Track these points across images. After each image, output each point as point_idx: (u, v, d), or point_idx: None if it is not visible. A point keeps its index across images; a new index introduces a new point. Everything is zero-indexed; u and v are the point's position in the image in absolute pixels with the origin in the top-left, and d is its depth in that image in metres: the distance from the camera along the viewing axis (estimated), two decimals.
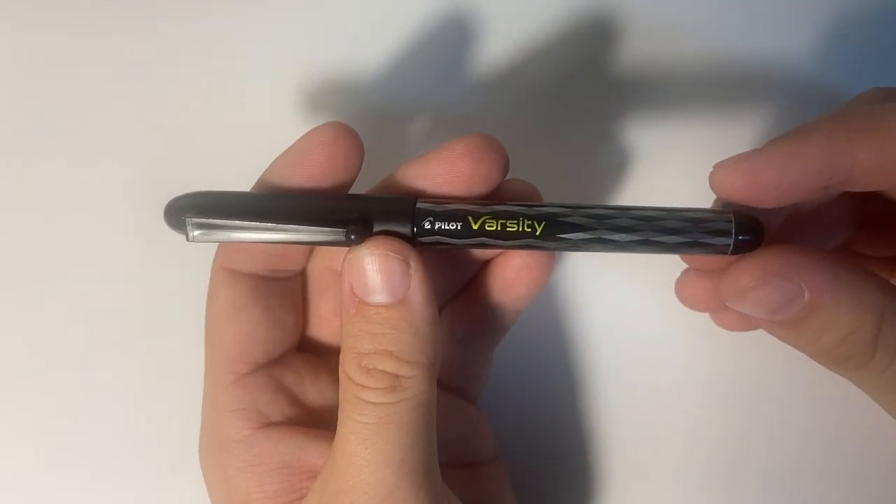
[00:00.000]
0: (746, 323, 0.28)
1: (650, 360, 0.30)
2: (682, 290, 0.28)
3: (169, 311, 0.30)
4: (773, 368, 0.30)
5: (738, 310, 0.24)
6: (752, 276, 0.23)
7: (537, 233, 0.22)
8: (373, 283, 0.22)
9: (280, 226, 0.22)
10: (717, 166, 0.23)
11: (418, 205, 0.23)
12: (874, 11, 0.30)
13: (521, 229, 0.22)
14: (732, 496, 0.30)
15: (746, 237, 0.22)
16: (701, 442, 0.30)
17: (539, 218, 0.22)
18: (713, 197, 0.25)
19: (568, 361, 0.30)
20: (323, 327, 0.27)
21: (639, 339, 0.30)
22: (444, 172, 0.23)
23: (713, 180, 0.24)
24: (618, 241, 0.22)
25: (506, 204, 0.23)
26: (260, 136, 0.27)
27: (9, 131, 0.31)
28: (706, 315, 0.29)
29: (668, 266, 0.29)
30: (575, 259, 0.31)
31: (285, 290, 0.26)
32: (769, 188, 0.23)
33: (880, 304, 0.22)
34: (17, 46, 0.31)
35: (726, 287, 0.23)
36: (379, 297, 0.22)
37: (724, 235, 0.22)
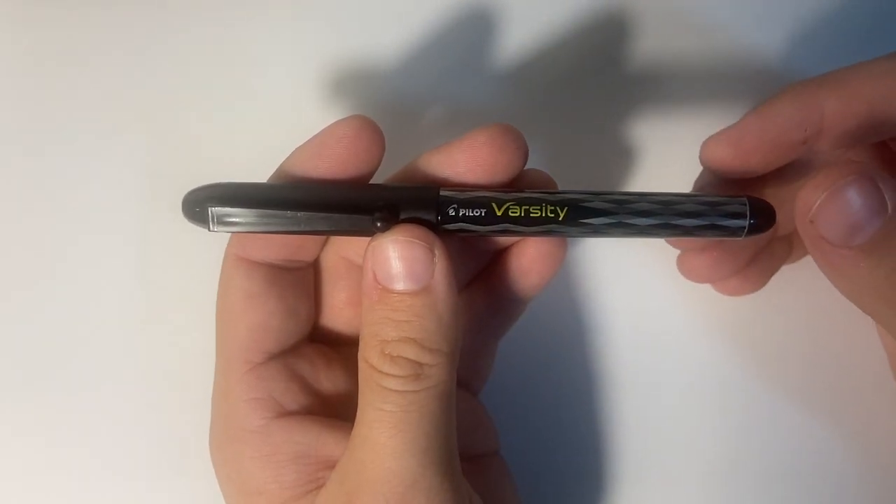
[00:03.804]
0: (747, 286, 0.29)
1: (653, 355, 0.30)
2: (684, 265, 0.29)
3: (172, 308, 0.30)
4: (795, 363, 0.30)
5: (815, 232, 0.22)
6: (831, 181, 0.22)
7: (560, 218, 0.22)
8: (397, 270, 0.22)
9: (307, 214, 0.22)
10: (704, 143, 0.26)
11: (442, 192, 0.23)
12: (884, 13, 0.31)
13: (544, 215, 0.22)
14: (743, 494, 0.30)
15: (760, 219, 0.23)
16: (709, 440, 0.30)
17: (562, 203, 0.22)
18: None
19: (569, 358, 0.31)
20: (335, 317, 0.27)
21: (641, 333, 0.31)
22: (467, 160, 0.23)
23: (704, 157, 0.26)
24: (638, 225, 0.22)
25: (527, 191, 0.23)
26: (275, 129, 0.27)
27: (21, 125, 0.30)
28: (711, 309, 0.30)
29: (663, 259, 0.29)
30: (576, 255, 0.31)
31: (298, 279, 0.26)
32: (753, 150, 0.25)
33: None
34: (31, 40, 0.31)
35: (803, 204, 0.22)
36: (403, 284, 0.22)
37: (740, 218, 0.23)
